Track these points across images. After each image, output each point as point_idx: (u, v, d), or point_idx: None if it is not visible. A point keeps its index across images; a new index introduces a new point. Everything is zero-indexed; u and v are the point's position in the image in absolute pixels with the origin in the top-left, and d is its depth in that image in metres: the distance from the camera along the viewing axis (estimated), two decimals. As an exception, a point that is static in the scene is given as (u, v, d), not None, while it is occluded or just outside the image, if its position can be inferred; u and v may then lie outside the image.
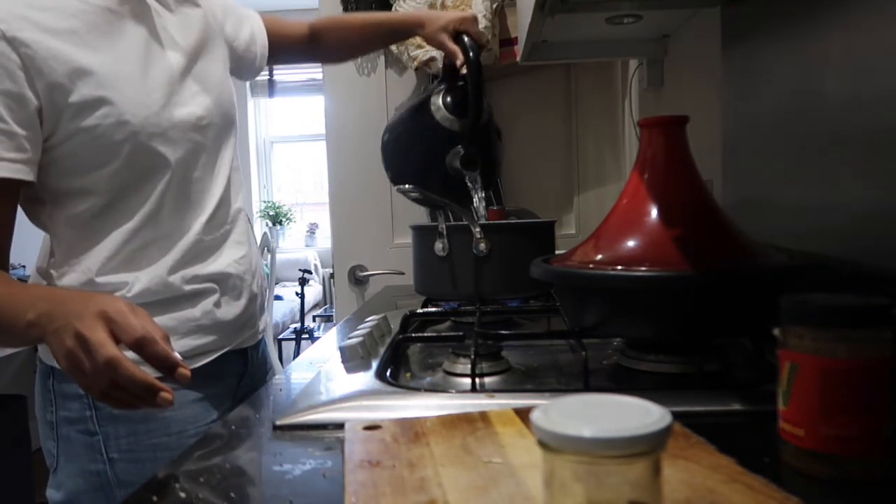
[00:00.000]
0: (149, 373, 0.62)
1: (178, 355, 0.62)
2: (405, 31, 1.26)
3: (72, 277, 0.82)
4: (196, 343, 0.87)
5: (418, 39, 1.78)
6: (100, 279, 0.82)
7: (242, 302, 0.94)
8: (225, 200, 0.93)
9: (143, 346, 0.61)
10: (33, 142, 0.76)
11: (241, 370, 0.98)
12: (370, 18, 1.31)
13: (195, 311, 0.87)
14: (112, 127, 0.79)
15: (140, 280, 0.84)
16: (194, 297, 0.88)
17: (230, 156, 0.95)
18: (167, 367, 0.62)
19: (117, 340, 0.62)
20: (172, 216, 0.86)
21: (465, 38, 1.15)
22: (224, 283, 0.91)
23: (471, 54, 1.16)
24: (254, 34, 1.10)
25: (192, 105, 0.88)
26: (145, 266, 0.84)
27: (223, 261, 0.91)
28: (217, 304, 0.90)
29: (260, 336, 1.02)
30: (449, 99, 1.23)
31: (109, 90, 0.78)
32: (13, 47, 0.73)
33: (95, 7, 0.81)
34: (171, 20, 0.90)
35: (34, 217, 0.85)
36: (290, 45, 1.19)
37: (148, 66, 0.84)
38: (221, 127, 0.93)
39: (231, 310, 0.92)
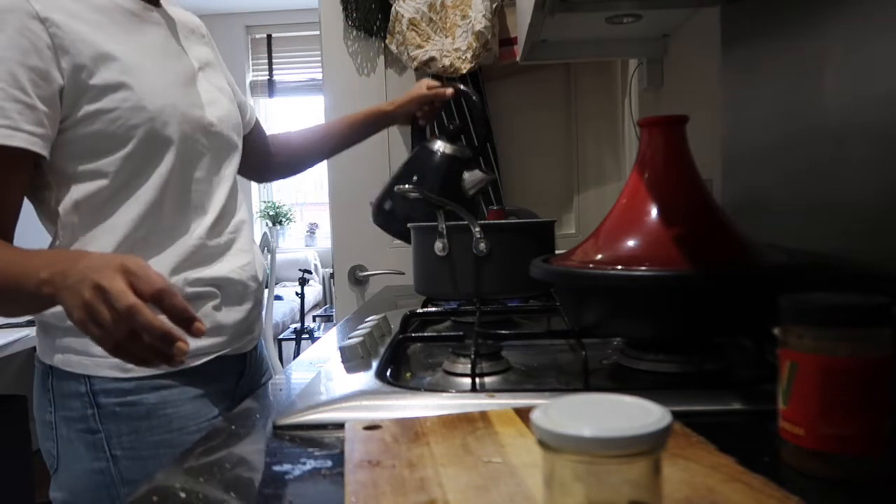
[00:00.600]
0: None
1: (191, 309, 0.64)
2: (371, 118, 1.31)
3: None
4: (195, 344, 0.87)
5: (419, 39, 1.80)
6: None
7: (245, 308, 0.96)
8: (228, 210, 0.95)
9: (162, 298, 0.62)
10: (52, 120, 0.78)
11: (239, 370, 0.99)
12: (334, 122, 1.34)
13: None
14: (129, 111, 0.81)
15: None
16: (195, 300, 0.88)
17: (232, 173, 0.98)
18: (185, 319, 0.63)
19: (136, 293, 0.62)
20: (174, 212, 0.88)
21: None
22: (226, 288, 0.92)
23: (462, 87, 1.31)
24: (246, 103, 1.15)
25: (206, 111, 0.92)
26: (149, 261, 0.85)
27: (226, 266, 0.92)
28: (217, 308, 0.91)
29: (256, 340, 1.03)
30: (442, 138, 1.25)
31: (130, 77, 0.82)
32: (45, 26, 0.76)
33: (121, 8, 0.87)
34: (187, 41, 0.96)
35: (40, 203, 0.86)
36: (258, 141, 1.21)
37: (166, 64, 0.89)
38: (226, 144, 0.96)
39: (232, 314, 0.93)
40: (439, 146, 1.22)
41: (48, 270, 0.67)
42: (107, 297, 0.61)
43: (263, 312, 1.05)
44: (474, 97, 1.33)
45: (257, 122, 1.20)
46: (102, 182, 0.83)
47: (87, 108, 0.80)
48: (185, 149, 0.87)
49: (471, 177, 1.27)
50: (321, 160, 1.41)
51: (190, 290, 0.88)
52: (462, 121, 1.80)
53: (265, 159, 1.24)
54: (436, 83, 1.31)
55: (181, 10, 1.01)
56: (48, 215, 0.86)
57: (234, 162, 0.98)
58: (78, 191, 0.83)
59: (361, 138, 1.34)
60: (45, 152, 0.79)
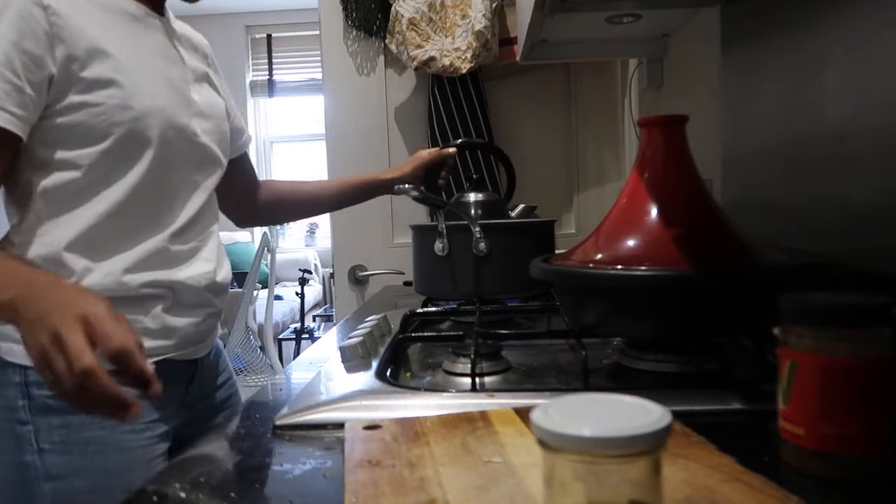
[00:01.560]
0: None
1: (151, 369, 0.61)
2: (374, 185, 1.29)
3: (36, 248, 0.82)
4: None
5: (419, 38, 1.80)
6: (66, 255, 0.82)
7: (198, 315, 0.94)
8: (199, 219, 0.94)
9: (120, 359, 0.60)
10: (36, 105, 0.79)
11: (189, 375, 0.96)
12: (334, 182, 1.32)
13: (143, 314, 0.87)
14: (115, 108, 0.82)
15: (93, 272, 0.83)
16: (145, 301, 0.87)
17: (210, 186, 0.97)
18: (142, 382, 0.61)
19: (93, 344, 0.60)
20: (142, 212, 0.87)
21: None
22: (180, 292, 0.90)
23: (461, 140, 1.45)
24: (244, 130, 1.15)
25: (192, 120, 0.92)
26: (105, 257, 0.84)
27: (185, 273, 0.91)
28: (168, 311, 0.89)
29: (210, 348, 1.01)
30: (470, 190, 1.25)
31: (122, 75, 0.83)
32: (46, 14, 0.78)
33: (123, 10, 0.88)
34: (186, 54, 0.97)
35: (9, 185, 0.85)
36: (243, 173, 1.18)
37: (160, 67, 0.90)
38: (208, 157, 0.96)
39: (183, 319, 0.91)
40: (472, 197, 1.22)
41: (11, 292, 0.65)
42: (64, 350, 0.59)
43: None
44: (478, 140, 1.46)
45: (246, 156, 1.18)
46: (75, 174, 0.83)
47: (73, 98, 0.80)
48: (163, 152, 0.87)
49: (517, 212, 1.30)
50: (308, 216, 1.40)
51: (143, 291, 0.87)
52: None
53: (250, 198, 1.21)
54: (434, 150, 1.33)
55: (189, 28, 1.02)
56: (15, 199, 0.86)
57: (214, 176, 0.98)
58: (50, 178, 0.82)
59: (356, 202, 1.33)
60: (23, 135, 0.79)
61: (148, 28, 0.90)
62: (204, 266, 0.94)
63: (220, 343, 1.09)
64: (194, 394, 0.97)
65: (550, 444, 0.32)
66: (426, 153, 1.32)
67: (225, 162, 1.01)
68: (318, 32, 2.02)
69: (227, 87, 1.09)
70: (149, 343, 0.86)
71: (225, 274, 0.99)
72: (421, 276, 1.18)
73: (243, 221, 1.26)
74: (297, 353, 3.96)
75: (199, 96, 0.95)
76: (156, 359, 0.88)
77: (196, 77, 0.97)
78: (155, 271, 0.87)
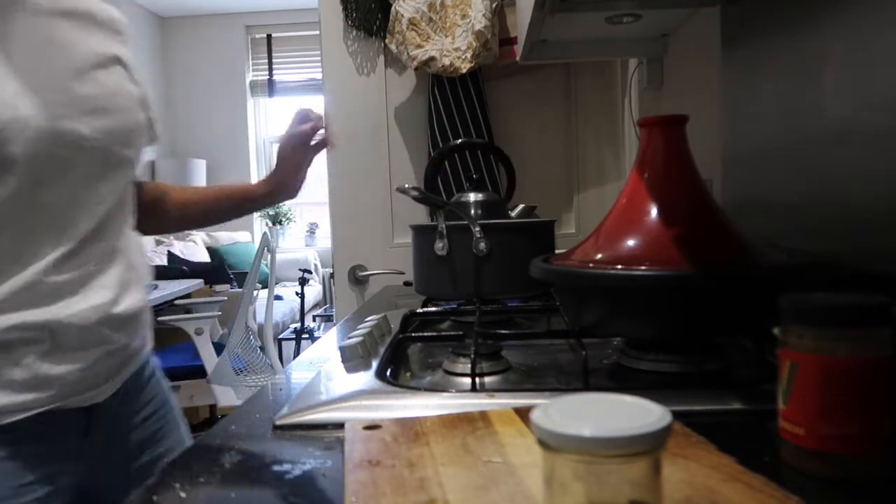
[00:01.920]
0: None
1: None
2: (247, 197, 1.10)
3: None
4: (5, 400, 0.72)
5: (419, 38, 1.80)
6: None
7: (88, 358, 0.77)
8: (98, 238, 0.78)
9: None
10: None
11: (82, 426, 0.80)
12: (210, 191, 1.13)
13: (10, 364, 0.72)
14: None
15: None
16: (12, 348, 0.72)
17: (113, 193, 0.81)
18: None
19: None
20: (8, 245, 0.72)
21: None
22: (60, 333, 0.74)
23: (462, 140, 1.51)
24: (154, 124, 0.94)
25: (82, 121, 0.76)
26: None
27: (69, 308, 0.74)
28: (44, 357, 0.74)
29: (113, 390, 0.84)
30: (470, 190, 1.24)
31: None
32: None
33: None
34: (83, 35, 0.80)
35: None
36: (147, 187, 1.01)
37: (35, 62, 0.73)
38: (108, 159, 0.79)
39: (65, 365, 0.75)
40: (472, 197, 1.22)
41: None
42: None
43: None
44: (478, 140, 1.44)
45: None
46: None
47: None
48: (36, 170, 0.71)
49: (517, 212, 1.29)
50: (177, 230, 1.19)
51: (9, 336, 0.71)
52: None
53: (148, 197, 1.00)
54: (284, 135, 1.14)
55: (95, 1, 0.83)
56: None
57: (119, 179, 0.81)
58: None
59: (232, 217, 1.12)
60: None
61: (16, 12, 0.72)
62: (98, 296, 0.77)
63: (156, 367, 0.94)
64: (99, 443, 0.82)
65: (550, 444, 0.32)
66: (281, 147, 1.15)
67: (137, 160, 0.86)
68: (318, 32, 2.02)
69: (143, 73, 0.91)
70: (17, 396, 0.72)
71: (131, 302, 0.82)
72: (421, 276, 1.18)
73: None
74: (297, 353, 3.96)
75: (96, 88, 0.78)
76: (26, 413, 0.73)
77: (96, 62, 0.79)
78: (24, 311, 0.72)
